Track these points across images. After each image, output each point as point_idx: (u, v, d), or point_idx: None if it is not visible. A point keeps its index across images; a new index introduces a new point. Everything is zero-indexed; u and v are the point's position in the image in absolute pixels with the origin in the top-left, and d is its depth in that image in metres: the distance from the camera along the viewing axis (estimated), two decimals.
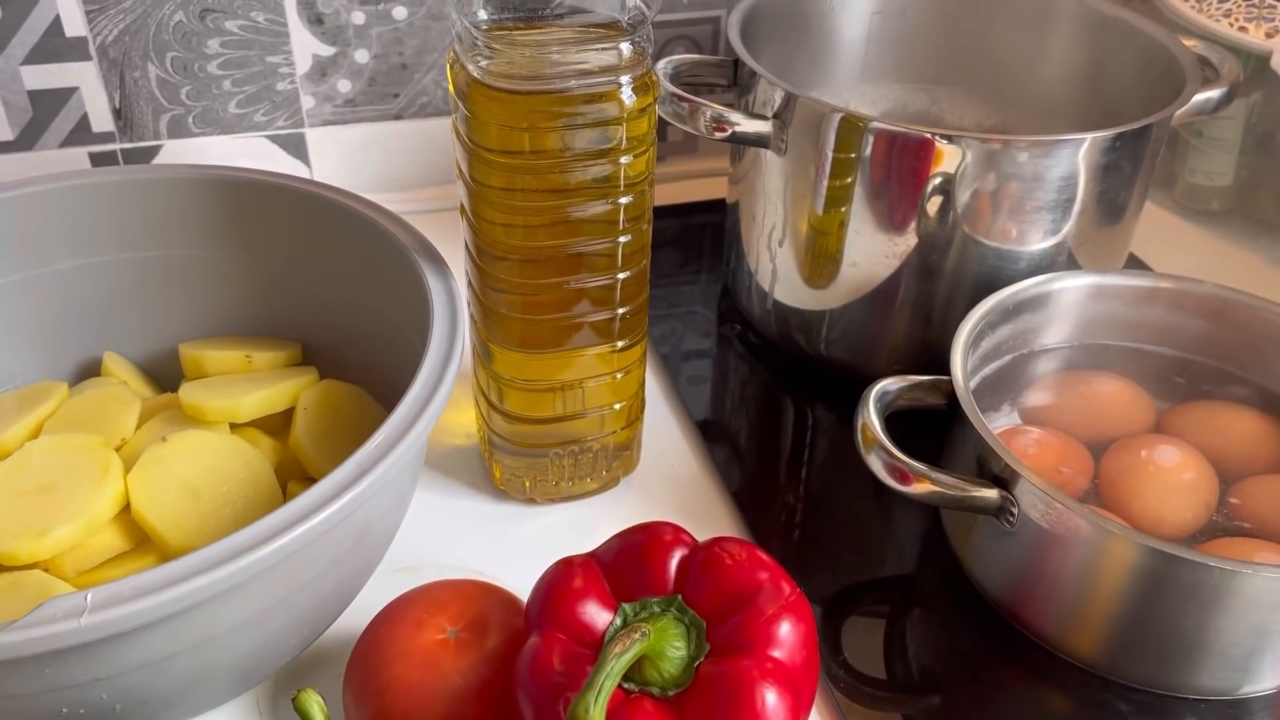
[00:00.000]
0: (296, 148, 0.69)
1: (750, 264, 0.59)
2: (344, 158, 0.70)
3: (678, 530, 0.38)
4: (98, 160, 0.66)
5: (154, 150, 0.66)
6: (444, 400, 0.38)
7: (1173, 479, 0.44)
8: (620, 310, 0.46)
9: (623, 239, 0.44)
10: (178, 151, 0.67)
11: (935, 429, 0.46)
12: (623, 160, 0.42)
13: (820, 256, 0.54)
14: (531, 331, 0.45)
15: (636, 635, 0.33)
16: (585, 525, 0.50)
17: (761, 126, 0.52)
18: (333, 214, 0.48)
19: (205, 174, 0.50)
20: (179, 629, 0.32)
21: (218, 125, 0.66)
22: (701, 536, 0.36)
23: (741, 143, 0.54)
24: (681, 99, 0.52)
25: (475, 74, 0.39)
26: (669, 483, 0.52)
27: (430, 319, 0.41)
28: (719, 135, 0.53)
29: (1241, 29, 0.66)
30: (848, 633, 0.45)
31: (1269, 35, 0.65)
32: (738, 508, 0.51)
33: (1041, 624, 0.42)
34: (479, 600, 0.39)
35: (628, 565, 0.37)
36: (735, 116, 0.52)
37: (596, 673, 0.32)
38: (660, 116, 0.54)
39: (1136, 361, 0.50)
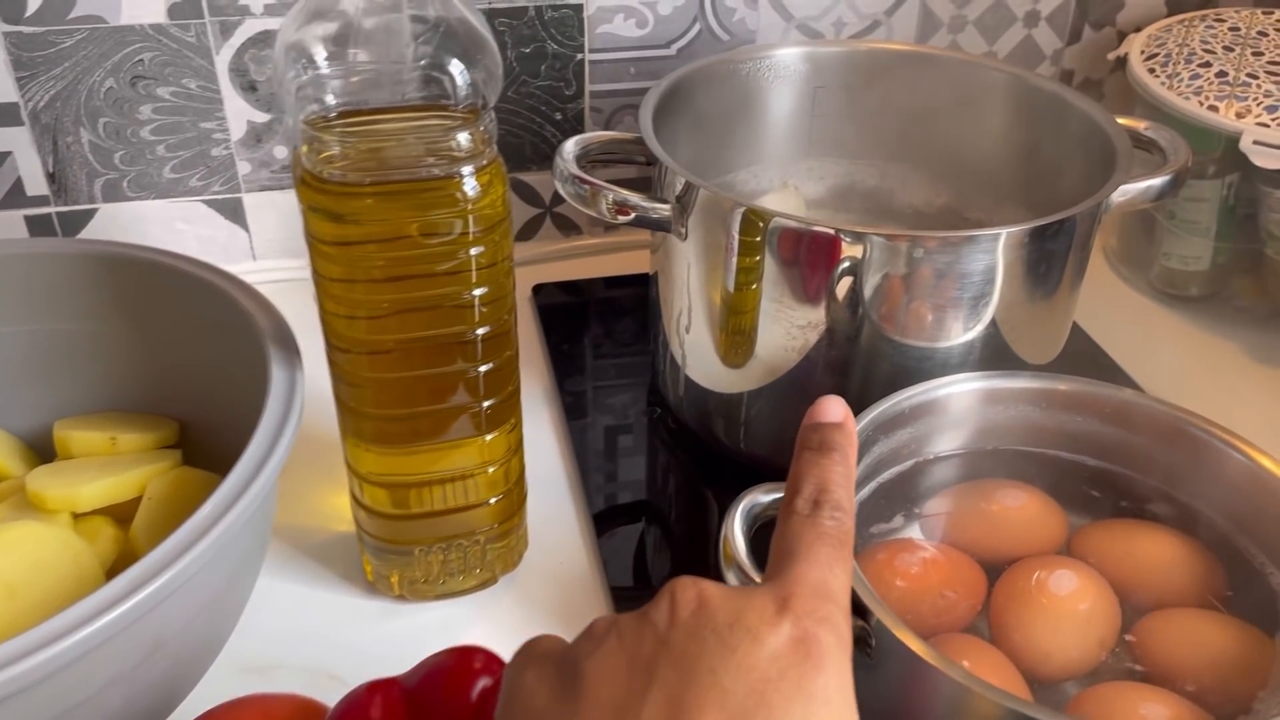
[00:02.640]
0: (234, 212, 0.68)
1: (665, 341, 0.56)
2: (281, 222, 0.69)
3: (489, 657, 0.35)
4: (33, 223, 0.66)
5: (89, 214, 0.66)
6: (246, 511, 0.36)
7: (1065, 610, 0.40)
8: (485, 403, 0.44)
9: (480, 330, 0.42)
10: (113, 215, 0.66)
11: None
12: (472, 251, 0.40)
13: (729, 339, 0.51)
14: (386, 427, 0.43)
15: None
16: (456, 626, 0.47)
17: (663, 211, 0.50)
18: (206, 294, 0.47)
19: (89, 249, 0.49)
20: None
21: (153, 190, 0.66)
22: None
23: (646, 226, 0.51)
24: (583, 181, 0.50)
25: (308, 165, 0.38)
26: (553, 582, 0.50)
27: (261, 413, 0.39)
28: (622, 219, 0.50)
29: (1212, 107, 0.62)
30: None
31: (1239, 115, 0.61)
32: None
33: None
34: None
35: (431, 693, 0.34)
36: (636, 200, 0.50)
37: None
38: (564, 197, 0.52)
39: (1050, 471, 0.46)
